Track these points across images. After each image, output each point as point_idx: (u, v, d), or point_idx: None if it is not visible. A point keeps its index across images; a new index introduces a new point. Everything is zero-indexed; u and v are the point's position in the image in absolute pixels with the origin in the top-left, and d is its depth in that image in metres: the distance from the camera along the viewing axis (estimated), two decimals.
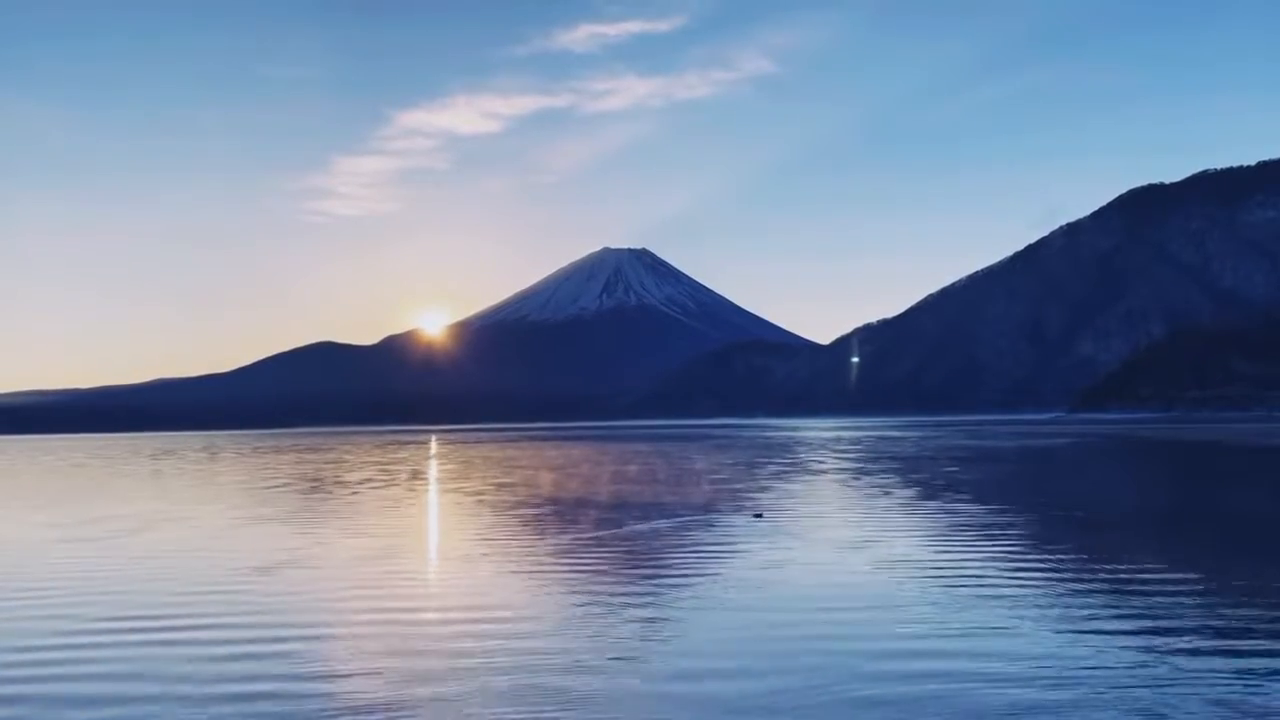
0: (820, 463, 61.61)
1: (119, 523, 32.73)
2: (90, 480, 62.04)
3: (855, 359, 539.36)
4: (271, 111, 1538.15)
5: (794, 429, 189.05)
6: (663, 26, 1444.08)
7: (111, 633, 15.36)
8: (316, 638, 14.70)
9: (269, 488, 49.29)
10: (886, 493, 37.46)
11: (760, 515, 29.77)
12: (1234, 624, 14.33)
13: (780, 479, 47.17)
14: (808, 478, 48.08)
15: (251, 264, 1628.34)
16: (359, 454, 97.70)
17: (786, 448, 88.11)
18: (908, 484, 42.06)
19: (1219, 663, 12.24)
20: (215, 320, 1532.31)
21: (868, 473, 50.42)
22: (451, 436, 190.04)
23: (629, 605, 16.77)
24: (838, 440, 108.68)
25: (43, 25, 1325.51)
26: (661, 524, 28.75)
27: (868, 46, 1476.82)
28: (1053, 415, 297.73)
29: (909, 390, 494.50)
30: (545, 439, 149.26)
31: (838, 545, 23.24)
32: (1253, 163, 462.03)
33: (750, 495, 37.90)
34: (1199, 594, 16.60)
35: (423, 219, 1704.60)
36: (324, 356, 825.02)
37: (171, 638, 14.91)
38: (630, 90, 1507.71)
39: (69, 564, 22.97)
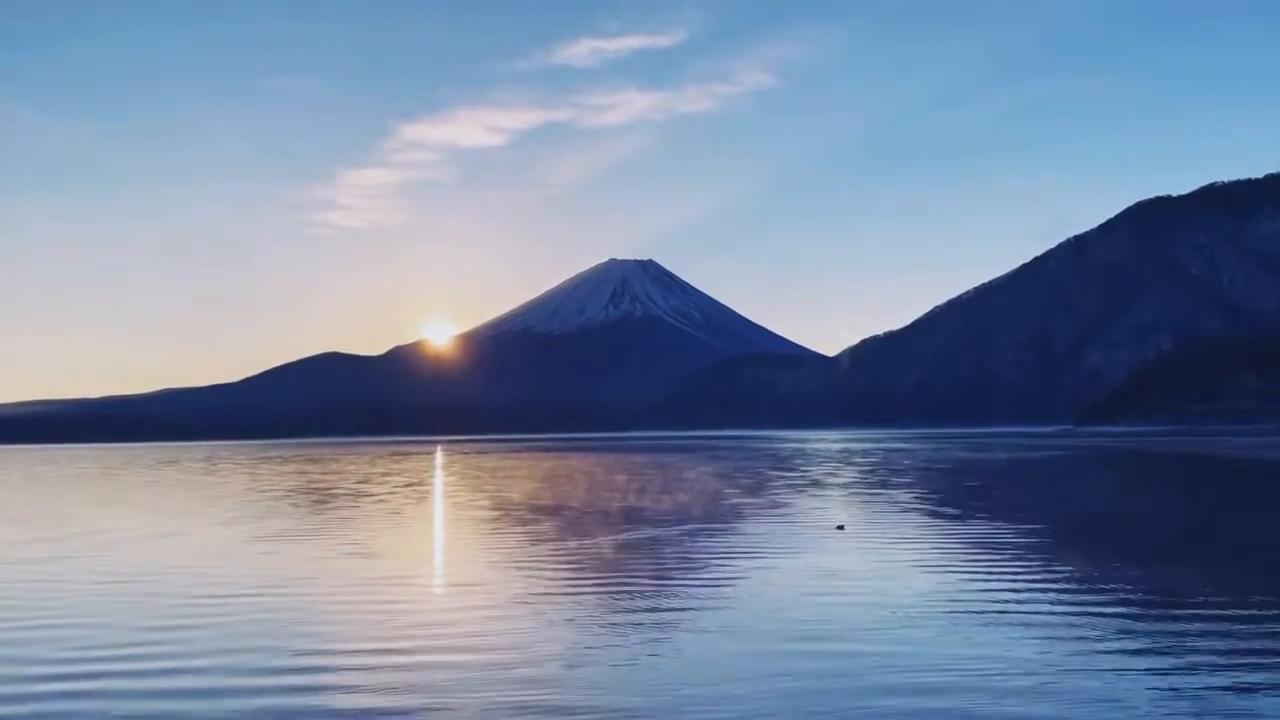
0: (835, 476, 61.31)
1: (96, 538, 31.24)
2: (81, 491, 61.36)
3: (847, 364, 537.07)
4: (276, 124, 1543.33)
5: (801, 440, 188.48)
6: (663, 41, 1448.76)
7: (52, 678, 13.28)
8: (287, 670, 13.35)
9: (263, 500, 48.84)
10: (906, 509, 37.20)
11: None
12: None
13: (798, 492, 46.96)
14: (822, 490, 47.84)
15: (257, 275, 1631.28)
16: (361, 464, 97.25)
17: (796, 459, 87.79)
18: (923, 499, 41.86)
19: None
20: (221, 331, 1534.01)
21: (884, 486, 50.22)
22: (458, 447, 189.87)
23: (637, 628, 16.46)
24: (845, 452, 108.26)
25: (49, 35, 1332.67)
26: (669, 533, 28.51)
27: (869, 59, 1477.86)
28: (1060, 428, 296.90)
29: (916, 402, 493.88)
30: (552, 450, 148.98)
31: (859, 562, 22.97)
32: (1261, 175, 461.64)
33: (769, 509, 37.79)
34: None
35: (428, 230, 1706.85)
36: (330, 367, 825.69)
37: (121, 683, 12.92)
38: (631, 104, 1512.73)
39: (24, 588, 21.15)
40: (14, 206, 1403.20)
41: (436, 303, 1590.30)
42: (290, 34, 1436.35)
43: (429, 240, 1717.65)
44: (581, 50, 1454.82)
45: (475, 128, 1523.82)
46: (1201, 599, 17.23)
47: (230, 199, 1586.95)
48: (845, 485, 51.09)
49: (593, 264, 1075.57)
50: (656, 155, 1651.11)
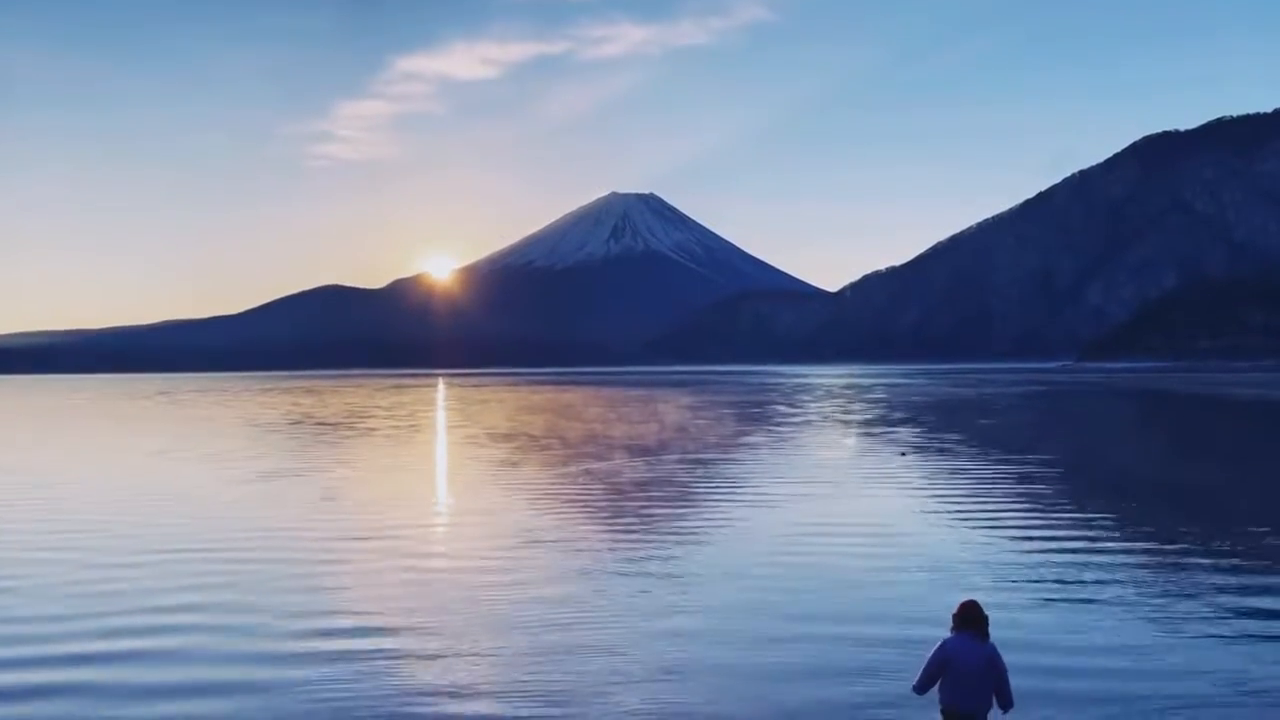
0: (846, 412, 60.35)
1: (53, 478, 30.05)
2: (64, 425, 60.94)
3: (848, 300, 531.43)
4: (273, 57, 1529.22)
5: (803, 376, 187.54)
6: None
7: None
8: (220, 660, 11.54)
9: (250, 434, 47.87)
10: (929, 446, 35.93)
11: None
12: None
13: (797, 428, 45.96)
14: (821, 425, 46.86)
15: (257, 207, 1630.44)
16: (360, 398, 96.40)
17: (798, 394, 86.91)
18: (930, 436, 40.69)
19: None
20: (223, 262, 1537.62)
21: (885, 423, 49.05)
22: (458, 381, 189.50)
23: (640, 564, 14.94)
24: (853, 388, 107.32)
25: None
26: (671, 463, 27.26)
27: None
28: (1061, 364, 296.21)
29: (918, 337, 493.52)
30: (551, 384, 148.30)
31: (854, 507, 21.65)
32: (1269, 110, 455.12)
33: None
34: None
35: (423, 163, 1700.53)
36: (331, 300, 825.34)
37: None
38: (627, 37, 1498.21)
39: None
40: (20, 140, 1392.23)
41: (437, 236, 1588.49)
42: None
43: (425, 172, 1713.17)
44: None
45: (470, 61, 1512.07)
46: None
47: (230, 131, 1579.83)
48: (869, 423, 49.95)
49: (593, 198, 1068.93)
50: (654, 89, 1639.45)
